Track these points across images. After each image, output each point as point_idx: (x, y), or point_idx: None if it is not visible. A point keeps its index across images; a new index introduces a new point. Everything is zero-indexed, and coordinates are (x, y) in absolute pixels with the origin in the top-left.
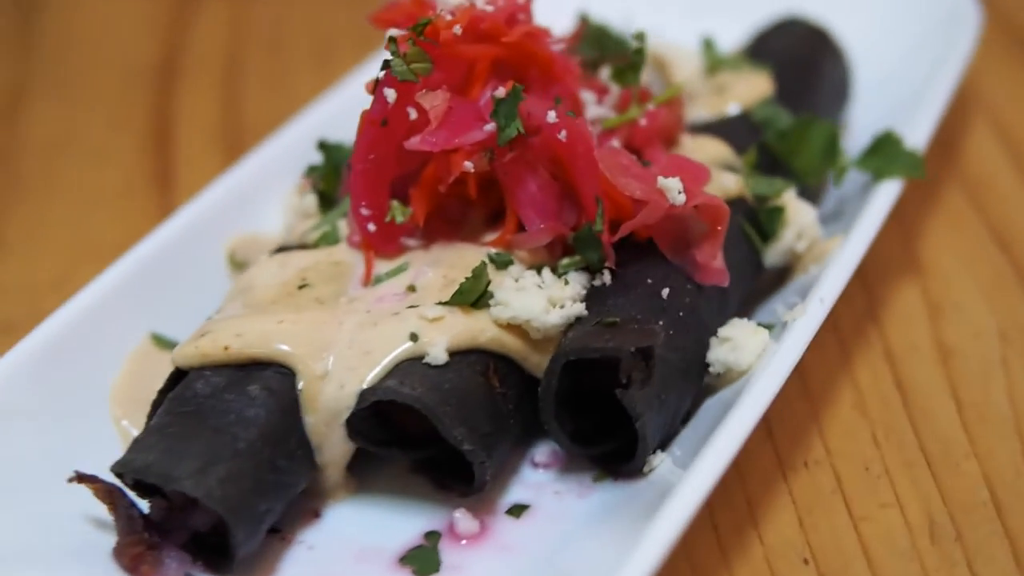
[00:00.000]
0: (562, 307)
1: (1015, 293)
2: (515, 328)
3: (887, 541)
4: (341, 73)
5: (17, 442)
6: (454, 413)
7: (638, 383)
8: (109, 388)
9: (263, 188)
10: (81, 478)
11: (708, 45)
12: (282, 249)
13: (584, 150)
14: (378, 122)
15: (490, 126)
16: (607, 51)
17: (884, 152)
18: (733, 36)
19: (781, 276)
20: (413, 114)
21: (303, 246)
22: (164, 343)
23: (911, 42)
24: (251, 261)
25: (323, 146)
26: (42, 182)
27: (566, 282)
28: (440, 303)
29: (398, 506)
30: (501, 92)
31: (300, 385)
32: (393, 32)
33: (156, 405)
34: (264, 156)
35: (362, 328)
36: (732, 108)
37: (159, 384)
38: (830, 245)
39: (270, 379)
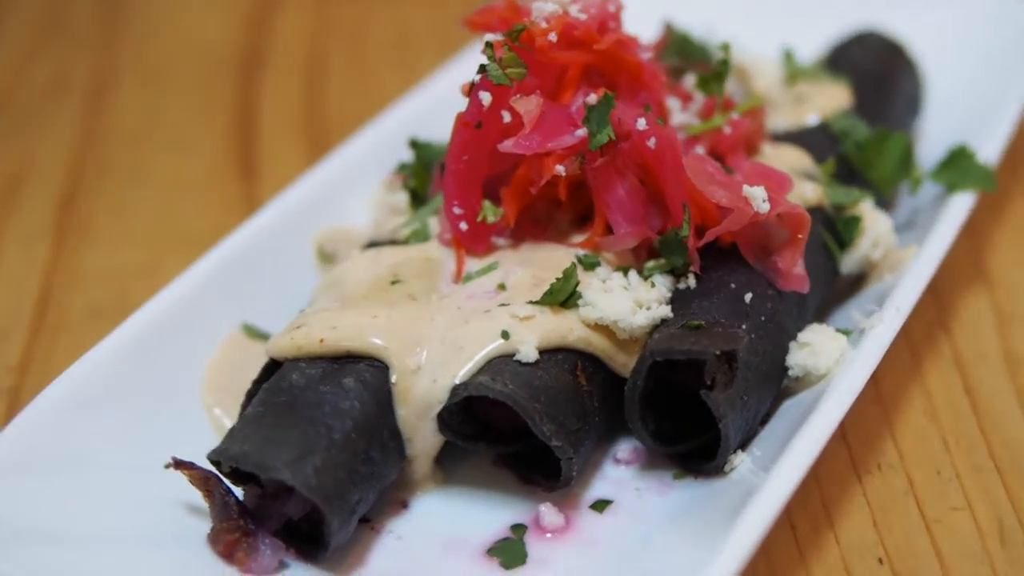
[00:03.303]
0: (648, 309)
1: None
2: (602, 328)
3: (958, 543)
4: (422, 71)
5: (111, 428)
6: (544, 409)
7: (722, 385)
8: (202, 377)
9: (350, 183)
10: (178, 464)
11: (788, 56)
12: (372, 245)
13: (672, 157)
14: (472, 124)
15: (581, 131)
16: (690, 60)
17: (957, 165)
18: (809, 47)
19: (855, 283)
20: (507, 117)
21: (394, 242)
22: (255, 334)
23: (981, 57)
24: (339, 254)
25: (414, 144)
26: (128, 169)
27: (652, 285)
28: (530, 302)
29: (483, 499)
30: (592, 99)
31: (393, 378)
32: (489, 37)
33: (251, 395)
34: (352, 151)
35: (454, 325)
36: (811, 118)
37: (250, 374)
38: (905, 254)
39: (364, 372)
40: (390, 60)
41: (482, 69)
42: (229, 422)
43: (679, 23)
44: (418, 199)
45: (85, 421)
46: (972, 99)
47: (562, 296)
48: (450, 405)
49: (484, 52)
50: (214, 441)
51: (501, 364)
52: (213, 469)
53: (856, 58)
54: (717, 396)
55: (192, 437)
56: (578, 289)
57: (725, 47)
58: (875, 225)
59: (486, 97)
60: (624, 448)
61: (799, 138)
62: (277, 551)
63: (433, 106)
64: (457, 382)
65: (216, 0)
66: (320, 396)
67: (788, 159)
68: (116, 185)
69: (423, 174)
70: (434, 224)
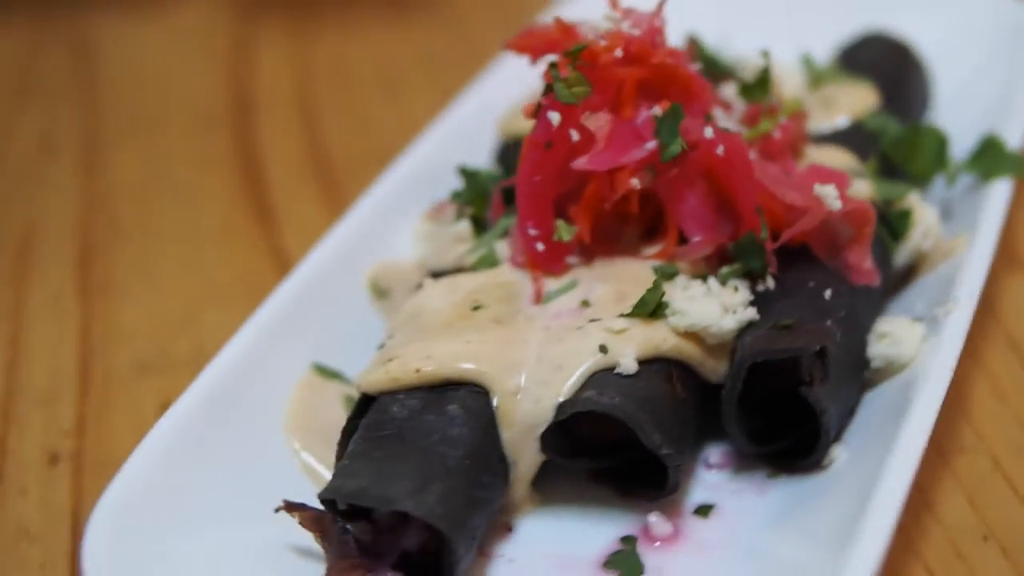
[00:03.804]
0: (734, 313)
1: None
2: (692, 336)
3: None
4: (412, 103)
5: (207, 482)
6: (651, 420)
7: (818, 380)
8: (283, 421)
9: (391, 218)
10: (290, 507)
11: (808, 61)
12: (437, 274)
13: (742, 163)
14: (542, 145)
15: (651, 144)
16: (716, 70)
17: (989, 155)
18: (808, 51)
19: (906, 275)
20: (575, 136)
21: (460, 270)
22: (327, 373)
23: (980, 54)
24: (393, 288)
25: (465, 172)
26: (140, 224)
27: (735, 289)
28: (621, 315)
29: (584, 515)
30: (657, 111)
31: (495, 402)
32: (551, 57)
33: (347, 432)
34: (388, 186)
35: (548, 344)
36: (841, 120)
37: (331, 413)
38: (956, 243)
39: (465, 398)
40: (378, 94)
41: (548, 90)
42: (318, 463)
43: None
44: (480, 225)
45: (180, 478)
46: (977, 93)
47: (651, 307)
48: (557, 423)
49: (548, 73)
50: (306, 483)
51: (603, 378)
52: (320, 508)
53: (867, 59)
54: (817, 392)
55: (285, 481)
56: (663, 299)
57: (765, 55)
58: (924, 217)
59: (555, 117)
60: (715, 453)
61: (836, 139)
62: None
63: (461, 133)
64: (562, 400)
65: (190, 50)
66: (427, 425)
67: (835, 159)
68: (132, 240)
69: (481, 201)
70: (501, 248)
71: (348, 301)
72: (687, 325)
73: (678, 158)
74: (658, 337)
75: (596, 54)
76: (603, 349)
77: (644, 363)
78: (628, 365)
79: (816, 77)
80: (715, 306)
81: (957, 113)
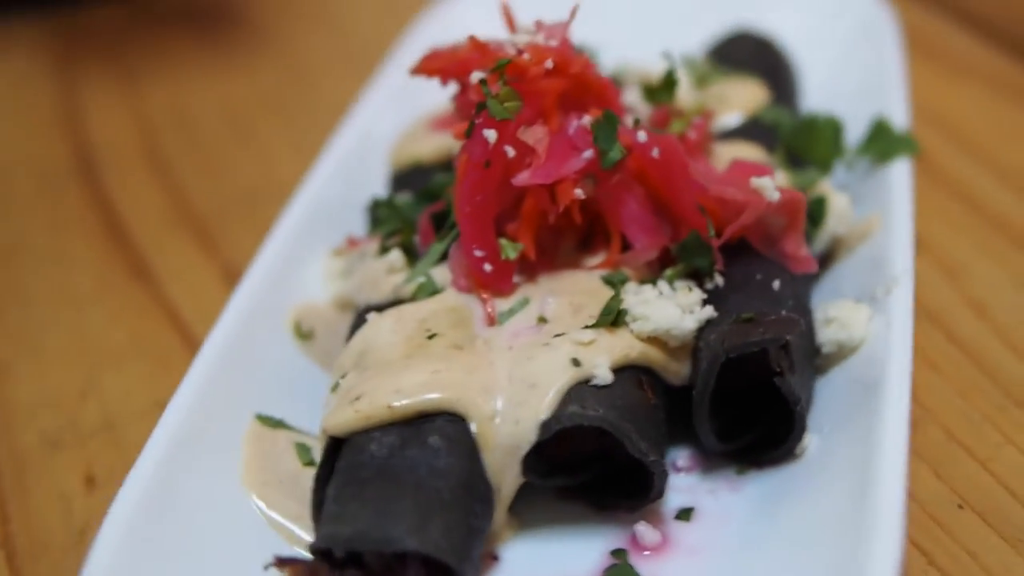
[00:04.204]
0: (692, 312)
1: (1004, 246)
2: (655, 340)
3: (1018, 473)
4: (263, 139)
5: (177, 549)
6: (634, 428)
7: (787, 370)
8: (240, 477)
9: (298, 259)
10: (281, 562)
11: (691, 61)
12: (369, 309)
13: (679, 164)
14: (481, 164)
15: (588, 153)
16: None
17: (881, 138)
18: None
19: (824, 260)
20: (510, 152)
21: (399, 301)
22: (271, 422)
23: (832, 45)
24: (316, 329)
25: (383, 204)
26: (10, 294)
27: (688, 289)
28: (586, 327)
29: (566, 534)
30: (587, 120)
31: (473, 428)
32: (477, 75)
33: (321, 479)
34: (289, 229)
35: (517, 364)
36: (734, 116)
37: (284, 462)
38: (869, 225)
39: (443, 428)
40: (229, 140)
41: (481, 107)
42: (283, 516)
43: None
44: (410, 254)
45: (151, 550)
46: (839, 84)
47: (613, 316)
48: (543, 441)
49: (477, 90)
50: (277, 538)
51: (580, 391)
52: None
53: (738, 57)
54: (789, 381)
55: (258, 538)
56: (622, 307)
57: (668, 56)
58: (837, 203)
59: (491, 135)
60: (682, 456)
61: (737, 135)
62: None
63: (347, 168)
64: (543, 418)
65: (14, 109)
66: (411, 461)
67: (745, 153)
68: (12, 312)
69: (408, 229)
70: (438, 274)
71: (272, 348)
72: (651, 330)
73: (618, 164)
74: (625, 345)
75: (524, 68)
76: (576, 362)
77: (616, 372)
78: (604, 375)
79: (700, 77)
80: (673, 308)
81: (823, 103)
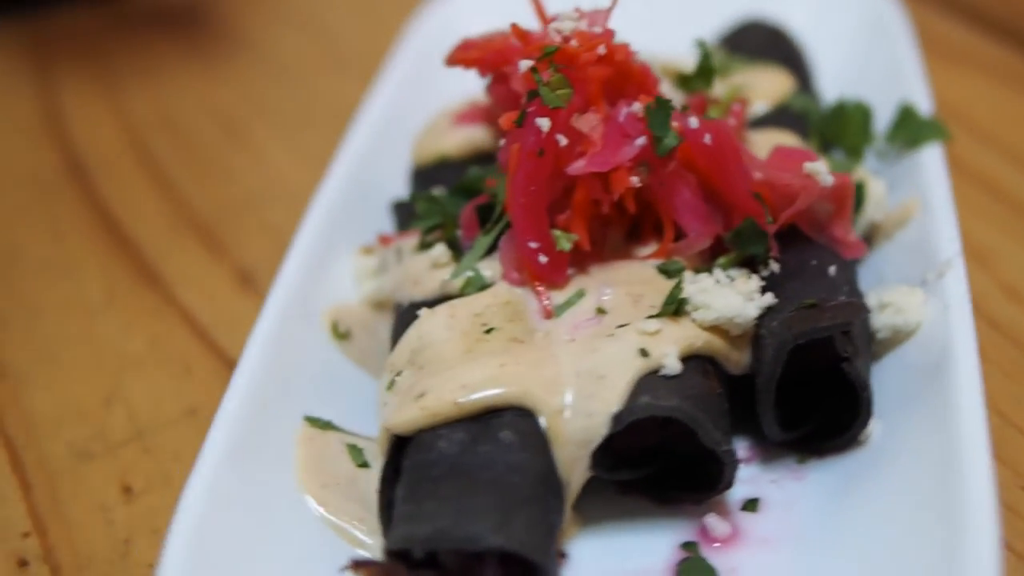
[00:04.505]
0: (752, 300)
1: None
2: (717, 329)
3: None
4: (254, 138)
5: (244, 559)
6: (708, 418)
7: (853, 356)
8: (296, 481)
9: (327, 259)
10: (357, 566)
11: (713, 51)
12: (415, 306)
13: (732, 150)
14: (535, 153)
15: (640, 140)
16: None
17: (908, 124)
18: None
19: None
20: (562, 140)
21: (446, 297)
22: (320, 424)
23: (843, 37)
24: (353, 328)
25: (424, 199)
26: (19, 305)
27: (748, 276)
28: (650, 316)
29: (629, 529)
30: (638, 107)
31: (543, 422)
32: (526, 63)
33: (388, 480)
34: (313, 231)
35: (582, 356)
36: (760, 104)
37: (337, 464)
38: (907, 210)
39: (514, 423)
40: (224, 143)
41: (533, 95)
42: (341, 518)
43: None
44: (454, 248)
45: (221, 558)
46: (853, 71)
47: (675, 305)
48: (616, 433)
49: (529, 78)
50: (338, 541)
51: (651, 382)
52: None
53: (752, 46)
54: (857, 367)
55: (322, 541)
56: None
57: (702, 45)
58: (874, 189)
59: (545, 123)
60: (741, 446)
61: (769, 123)
62: None
63: (365, 166)
64: (615, 410)
65: None
66: (485, 457)
67: (782, 141)
68: (14, 323)
69: (451, 224)
70: (486, 268)
71: (311, 350)
72: (714, 318)
73: (672, 151)
74: (690, 334)
75: (574, 55)
76: (643, 353)
77: (683, 362)
78: (673, 365)
79: (724, 65)
80: (734, 296)
81: (838, 93)
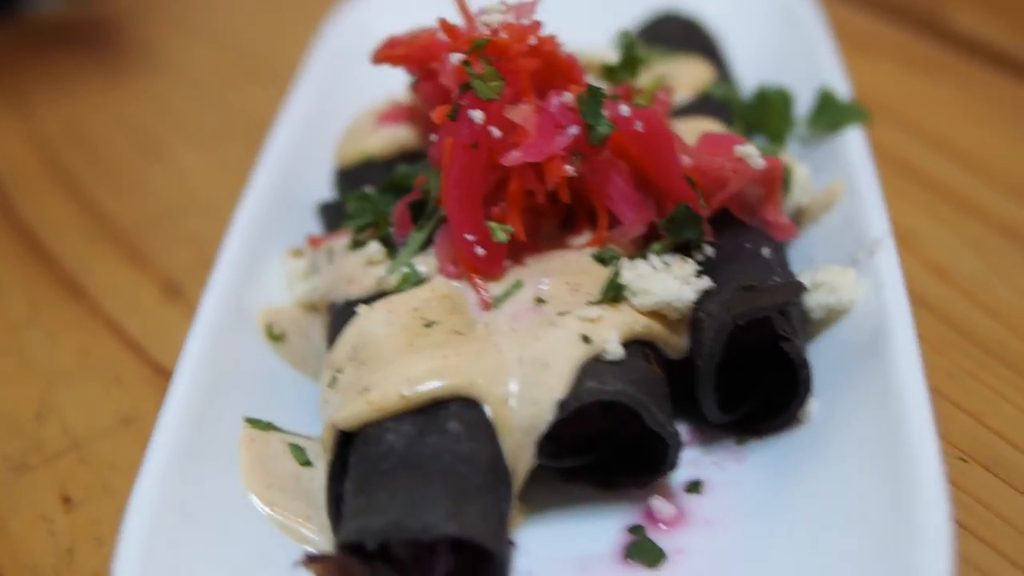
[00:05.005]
0: (689, 283)
1: (950, 211)
2: (655, 314)
3: (1014, 425)
4: (172, 159)
5: (195, 561)
6: (653, 401)
7: (792, 335)
8: (241, 481)
9: (256, 262)
10: (312, 559)
11: (634, 42)
12: (350, 305)
13: (664, 136)
14: (469, 146)
15: (573, 129)
16: None
17: (829, 109)
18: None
19: None
20: (496, 133)
21: (382, 293)
22: (260, 425)
23: (756, 27)
24: (288, 332)
25: (356, 198)
26: None
27: (684, 261)
28: (589, 303)
29: (574, 515)
30: (569, 97)
31: (488, 412)
32: (457, 56)
33: (335, 476)
34: (240, 237)
35: (525, 345)
36: (682, 94)
37: (280, 464)
38: (833, 193)
39: (459, 413)
40: (138, 157)
41: (465, 88)
42: (288, 516)
43: None
44: (388, 246)
45: (172, 555)
46: (768, 59)
47: (613, 292)
48: (561, 420)
49: (461, 71)
50: (286, 540)
51: (594, 368)
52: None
53: (669, 38)
54: (796, 346)
55: (272, 541)
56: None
57: (625, 35)
58: (798, 173)
59: (478, 115)
60: (682, 430)
61: (692, 111)
62: None
63: (287, 170)
64: (560, 396)
65: None
66: (433, 448)
67: (707, 129)
68: None
69: (383, 221)
70: (421, 263)
71: (246, 354)
72: (653, 303)
73: (605, 139)
74: (631, 319)
75: (504, 47)
76: (586, 339)
77: (624, 347)
78: (615, 351)
79: (643, 58)
80: (672, 280)
81: (755, 82)
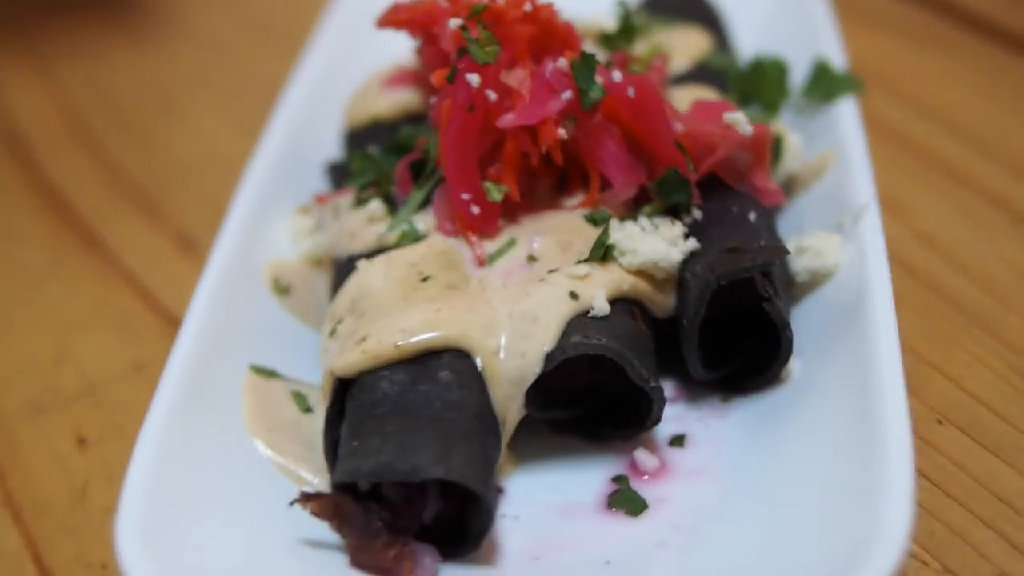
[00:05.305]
0: (676, 245)
1: (944, 181)
2: (643, 273)
3: (991, 389)
4: (192, 119)
5: (198, 498)
6: (635, 356)
7: (773, 296)
8: (244, 424)
9: (265, 218)
10: (307, 497)
11: (633, 12)
12: (353, 259)
13: (655, 102)
14: (466, 108)
15: (567, 93)
16: None
17: (823, 79)
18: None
19: None
20: (492, 95)
21: (382, 249)
22: (264, 372)
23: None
24: (294, 284)
25: (360, 157)
26: None
27: (672, 223)
28: (579, 262)
29: (564, 464)
30: (563, 62)
31: (479, 362)
32: (456, 21)
33: (332, 420)
34: (250, 194)
35: (515, 300)
36: (680, 62)
37: (282, 410)
38: (823, 161)
39: (451, 364)
40: (153, 112)
41: (463, 52)
42: (288, 459)
43: None
44: (390, 204)
45: (177, 489)
46: (769, 30)
47: (602, 251)
48: (547, 372)
49: (459, 36)
50: (284, 480)
51: (581, 323)
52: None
53: (672, 7)
54: (777, 306)
55: (267, 482)
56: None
57: (622, 4)
58: (790, 141)
59: (475, 78)
60: (667, 386)
61: (688, 80)
62: (432, 554)
63: (298, 129)
64: (547, 349)
65: None
66: (425, 395)
67: (702, 96)
68: None
69: (386, 180)
70: (420, 220)
71: (253, 305)
72: (640, 262)
73: (597, 104)
74: (617, 278)
75: (501, 13)
76: (573, 296)
77: (611, 304)
78: (601, 307)
79: (642, 27)
80: (659, 241)
81: (755, 51)
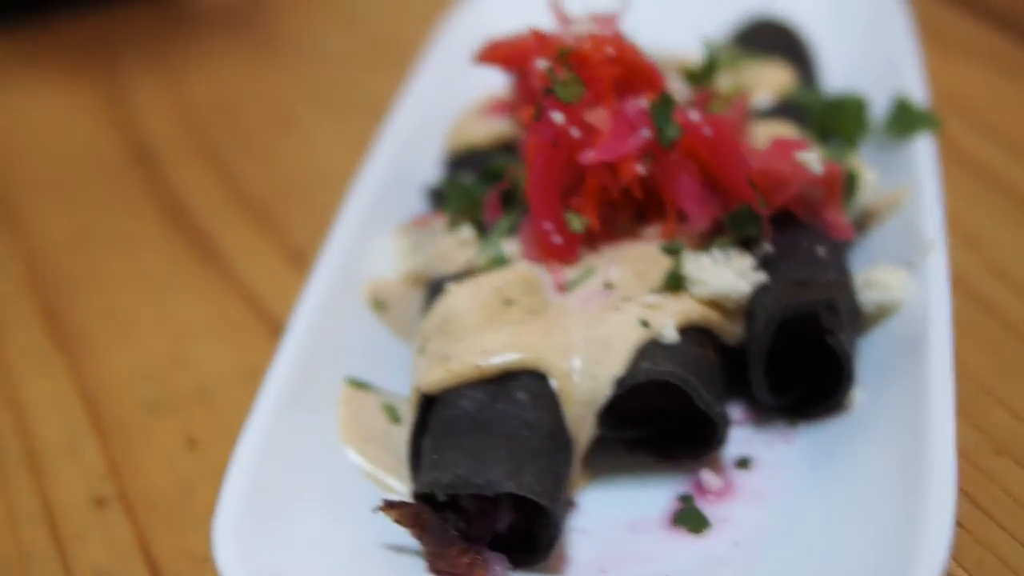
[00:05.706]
0: (746, 277)
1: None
2: (713, 303)
3: None
4: (309, 133)
5: (291, 500)
6: (700, 383)
7: (838, 330)
8: (339, 434)
9: (367, 237)
10: (390, 505)
11: (720, 47)
12: (442, 281)
13: (729, 141)
14: (550, 144)
15: (645, 132)
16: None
17: (903, 115)
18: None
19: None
20: (575, 133)
21: (471, 272)
22: (360, 385)
23: (849, 31)
24: (390, 301)
25: (454, 185)
26: (89, 278)
27: (743, 255)
28: (652, 291)
29: (634, 482)
30: (644, 102)
31: (554, 384)
32: (543, 62)
33: (417, 434)
34: (355, 212)
35: (590, 326)
36: (765, 97)
37: (374, 422)
38: (900, 196)
39: (527, 384)
40: (273, 130)
41: (548, 92)
42: (378, 468)
43: None
44: (480, 229)
45: (270, 505)
46: (857, 64)
47: (675, 282)
48: (613, 397)
49: (545, 76)
50: (371, 487)
51: (650, 350)
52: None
53: (762, 42)
54: (840, 339)
55: (358, 488)
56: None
57: (707, 43)
58: (867, 176)
59: (558, 117)
60: (736, 410)
61: (772, 115)
62: (503, 563)
63: (399, 154)
64: (618, 374)
65: (64, 110)
66: (502, 413)
67: (782, 132)
68: (86, 292)
69: (476, 207)
70: (507, 247)
71: (352, 319)
72: (710, 293)
73: (674, 142)
74: (687, 307)
75: (586, 56)
76: (644, 324)
77: (680, 332)
78: (670, 335)
79: (728, 61)
80: (729, 273)
81: (843, 85)
